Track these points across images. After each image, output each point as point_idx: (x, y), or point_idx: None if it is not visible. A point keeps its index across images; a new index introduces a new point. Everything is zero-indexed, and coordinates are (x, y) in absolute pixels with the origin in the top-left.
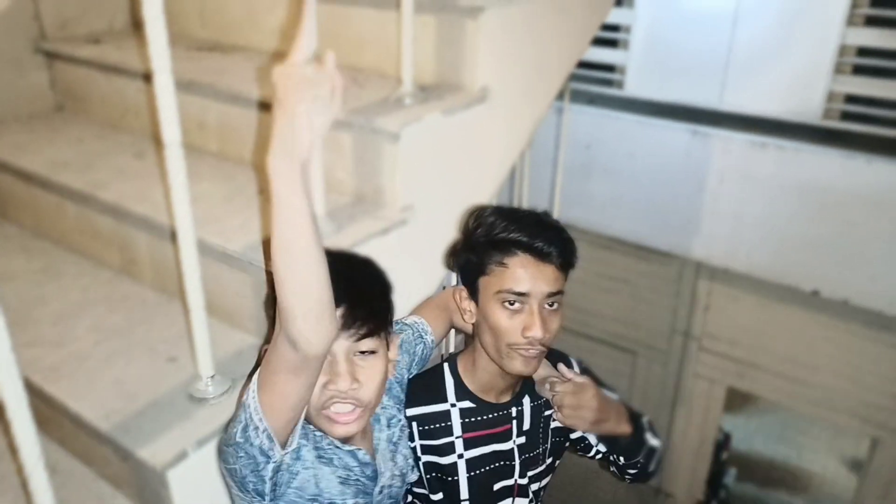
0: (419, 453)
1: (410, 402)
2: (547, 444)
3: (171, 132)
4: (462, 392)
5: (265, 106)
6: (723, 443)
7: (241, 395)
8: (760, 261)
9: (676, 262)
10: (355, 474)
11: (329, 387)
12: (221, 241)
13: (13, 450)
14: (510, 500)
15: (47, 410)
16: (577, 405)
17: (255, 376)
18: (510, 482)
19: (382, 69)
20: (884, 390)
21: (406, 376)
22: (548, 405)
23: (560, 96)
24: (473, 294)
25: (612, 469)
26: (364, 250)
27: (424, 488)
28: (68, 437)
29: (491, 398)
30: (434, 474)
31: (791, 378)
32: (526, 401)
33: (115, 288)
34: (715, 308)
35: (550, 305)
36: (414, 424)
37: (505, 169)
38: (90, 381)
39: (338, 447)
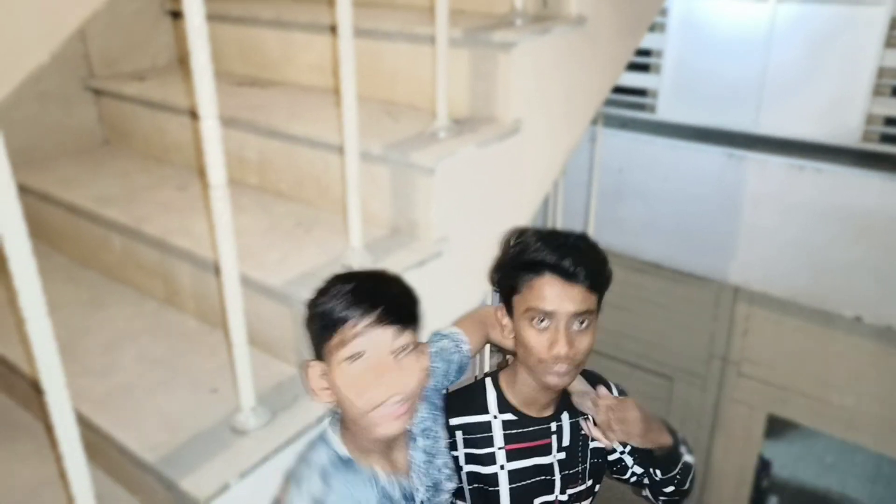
0: (462, 462)
1: (453, 412)
2: (586, 463)
3: (216, 175)
4: (504, 405)
5: (302, 141)
6: (763, 470)
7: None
8: (800, 285)
9: (713, 286)
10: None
11: (381, 388)
12: (262, 275)
13: (63, 477)
14: None
15: (94, 439)
16: (622, 419)
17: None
18: (551, 497)
19: (416, 103)
20: None
21: (444, 384)
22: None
23: (593, 122)
24: (510, 311)
25: (645, 493)
26: None
27: (465, 501)
28: (114, 466)
29: (532, 412)
30: (476, 485)
31: (833, 405)
32: (565, 417)
33: (159, 318)
34: (754, 332)
35: (580, 325)
36: (458, 433)
37: (539, 197)
38: (135, 412)
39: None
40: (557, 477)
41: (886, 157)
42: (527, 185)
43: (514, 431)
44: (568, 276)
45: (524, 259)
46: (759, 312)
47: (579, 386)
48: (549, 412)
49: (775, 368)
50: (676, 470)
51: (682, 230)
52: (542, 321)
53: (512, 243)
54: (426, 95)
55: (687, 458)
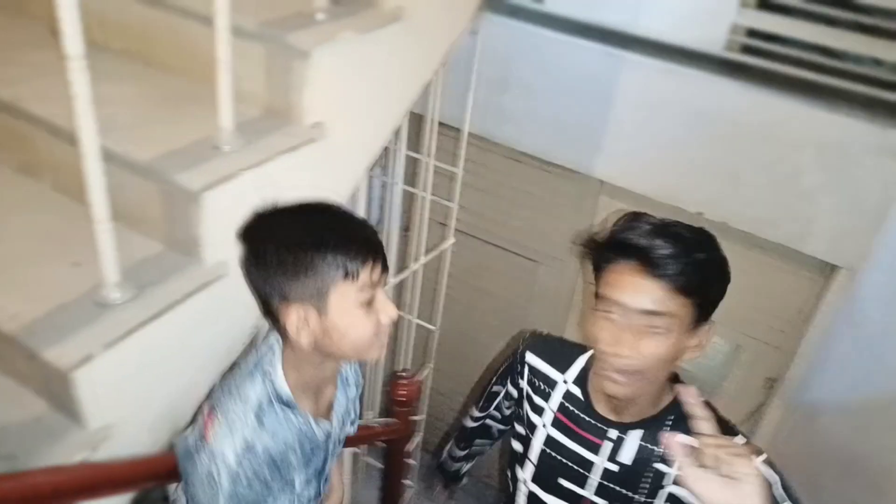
0: (524, 396)
1: (541, 352)
2: (654, 499)
3: (73, 45)
4: (580, 381)
5: (172, 8)
6: None
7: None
8: (654, 182)
9: (580, 179)
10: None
11: (383, 320)
12: (127, 150)
13: None
14: None
15: None
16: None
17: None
18: (580, 491)
19: None
20: (749, 303)
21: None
22: (664, 460)
23: (479, 8)
24: (596, 297)
25: None
26: (273, 167)
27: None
28: None
29: (599, 406)
30: (523, 420)
31: None
32: (634, 434)
33: (15, 186)
34: (612, 223)
35: (655, 326)
36: (526, 370)
37: (418, 87)
38: None
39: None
40: (595, 478)
41: (745, 67)
42: (408, 73)
43: (571, 408)
44: (651, 265)
45: (614, 238)
46: (619, 205)
47: (709, 431)
48: (614, 417)
49: None
50: None
51: (558, 124)
52: (611, 311)
53: (618, 224)
54: None
55: None
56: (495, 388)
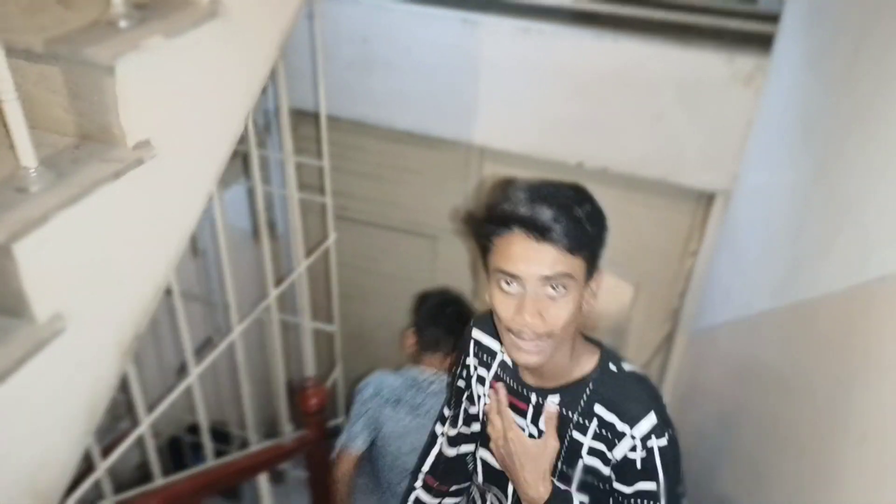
0: (472, 368)
1: (481, 325)
2: (573, 468)
3: None
4: None
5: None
6: None
7: None
8: (532, 141)
9: (462, 149)
10: None
11: None
12: None
13: None
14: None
15: None
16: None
17: None
18: None
19: None
20: (640, 243)
21: None
22: (580, 428)
23: None
24: (487, 271)
25: None
26: (97, 199)
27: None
28: None
29: (523, 372)
30: (472, 396)
31: None
32: (552, 399)
33: None
34: (486, 196)
35: (554, 289)
36: (472, 343)
37: (256, 83)
38: None
39: None
40: None
41: (597, 15)
42: (239, 71)
43: (503, 375)
44: (539, 232)
45: (494, 213)
46: (503, 169)
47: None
48: (536, 382)
49: None
50: None
51: (428, 97)
52: (509, 284)
53: (494, 196)
54: None
55: None
56: (458, 383)
